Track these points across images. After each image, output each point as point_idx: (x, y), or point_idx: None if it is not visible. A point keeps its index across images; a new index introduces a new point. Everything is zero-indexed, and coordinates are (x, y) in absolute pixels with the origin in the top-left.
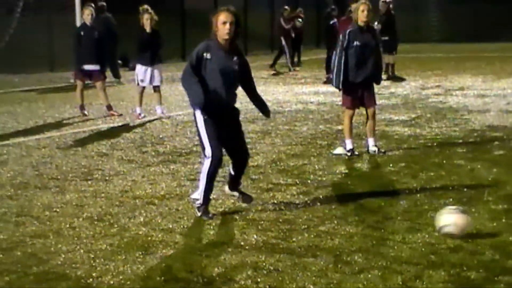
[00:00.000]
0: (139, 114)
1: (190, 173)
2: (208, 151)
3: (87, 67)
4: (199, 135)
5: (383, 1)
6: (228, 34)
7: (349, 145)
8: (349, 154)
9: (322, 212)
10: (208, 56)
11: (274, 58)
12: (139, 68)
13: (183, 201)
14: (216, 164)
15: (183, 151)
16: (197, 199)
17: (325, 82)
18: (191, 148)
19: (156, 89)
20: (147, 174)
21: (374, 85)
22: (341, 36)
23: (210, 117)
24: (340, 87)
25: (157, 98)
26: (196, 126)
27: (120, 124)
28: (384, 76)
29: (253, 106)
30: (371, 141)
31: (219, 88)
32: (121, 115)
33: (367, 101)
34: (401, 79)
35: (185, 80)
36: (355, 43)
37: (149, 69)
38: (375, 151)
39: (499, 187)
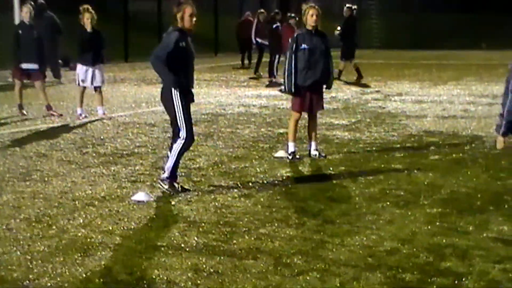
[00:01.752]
0: (80, 114)
1: (131, 175)
2: (183, 133)
3: (26, 66)
4: (175, 116)
5: (347, 7)
6: (193, 25)
7: (291, 148)
8: (290, 157)
9: (263, 215)
10: (184, 44)
11: (256, 63)
12: (80, 68)
13: (123, 203)
14: (188, 145)
15: (124, 152)
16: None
17: (267, 86)
18: (132, 150)
19: (98, 89)
20: (87, 175)
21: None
22: (290, 39)
23: (183, 96)
24: (292, 90)
25: (99, 98)
26: (173, 107)
27: (60, 124)
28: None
29: (196, 108)
30: (313, 145)
31: (190, 72)
32: (61, 115)
33: (315, 104)
34: (351, 84)
35: (157, 65)
36: (303, 46)
37: (90, 69)
38: (316, 155)
39: (434, 191)
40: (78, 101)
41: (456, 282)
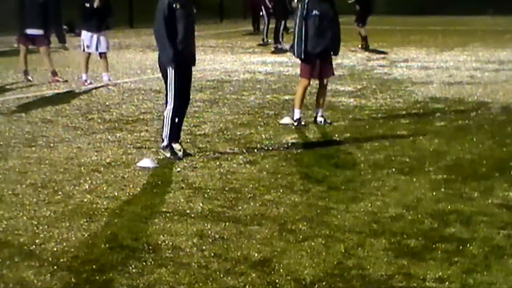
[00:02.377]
0: (85, 80)
1: (136, 141)
2: (171, 103)
3: (31, 31)
4: (167, 87)
5: None
6: None
7: (297, 115)
8: (296, 124)
9: (268, 181)
10: (178, 6)
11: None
12: (85, 34)
13: (129, 169)
14: (177, 110)
15: (130, 118)
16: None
17: (273, 52)
18: (138, 116)
19: (103, 55)
20: (93, 141)
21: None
22: (300, 5)
23: (179, 67)
24: (302, 56)
25: (104, 65)
26: (166, 78)
27: (65, 90)
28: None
29: (201, 75)
30: (319, 112)
31: (190, 36)
32: (66, 81)
33: (325, 71)
34: (379, 52)
35: (160, 35)
36: (314, 12)
37: (95, 35)
38: (321, 122)
39: (439, 158)
40: (83, 67)
41: (460, 247)
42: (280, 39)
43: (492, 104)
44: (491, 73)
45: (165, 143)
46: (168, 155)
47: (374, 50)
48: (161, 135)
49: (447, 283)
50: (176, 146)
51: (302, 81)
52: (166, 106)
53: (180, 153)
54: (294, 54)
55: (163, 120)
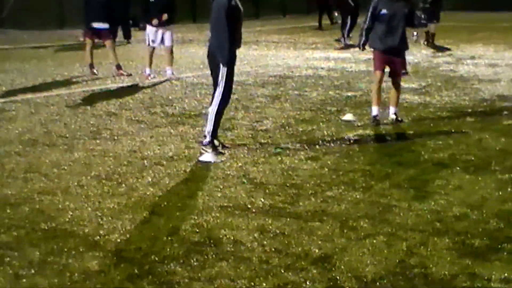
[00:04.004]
0: (149, 74)
1: (198, 135)
2: (219, 100)
3: (96, 25)
4: (216, 83)
5: None
6: None
7: (374, 112)
8: (373, 122)
9: (329, 178)
10: (234, 2)
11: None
12: (150, 29)
13: (191, 162)
14: (222, 108)
15: (192, 113)
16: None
17: (337, 48)
18: (200, 111)
19: (167, 50)
20: (156, 135)
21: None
22: (372, 2)
23: (232, 66)
24: (361, 47)
25: (168, 59)
26: (217, 75)
27: (129, 84)
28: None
29: (264, 70)
30: (392, 110)
31: (240, 31)
32: (130, 75)
33: (396, 66)
34: (444, 49)
35: (220, 32)
36: (383, 11)
37: (160, 30)
38: (393, 120)
39: (506, 157)
40: (147, 62)
41: None
42: (345, 35)
43: None
44: None
45: (208, 139)
46: (209, 151)
47: (439, 46)
48: (204, 131)
49: None
50: (216, 142)
51: (375, 76)
52: (211, 102)
53: (220, 149)
54: (358, 47)
55: (208, 116)
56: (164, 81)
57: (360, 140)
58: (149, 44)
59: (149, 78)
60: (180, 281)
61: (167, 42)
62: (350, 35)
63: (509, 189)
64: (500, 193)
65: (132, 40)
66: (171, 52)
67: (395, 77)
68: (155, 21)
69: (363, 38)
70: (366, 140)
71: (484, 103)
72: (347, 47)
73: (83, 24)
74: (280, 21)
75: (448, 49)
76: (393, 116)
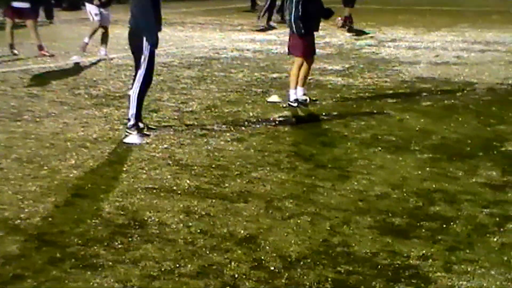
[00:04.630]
0: (86, 43)
1: (123, 117)
2: (141, 81)
3: (17, 4)
4: (138, 65)
5: None
6: None
7: (294, 96)
8: (294, 104)
9: (255, 159)
10: None
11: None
12: (90, 6)
13: (116, 144)
14: (144, 89)
15: (117, 94)
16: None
17: (261, 30)
18: (125, 92)
19: (104, 29)
20: (79, 116)
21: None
22: None
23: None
24: (302, 32)
25: (104, 39)
26: (139, 56)
27: (51, 65)
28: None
29: (189, 52)
30: (302, 90)
31: (160, 13)
32: (52, 55)
33: (314, 49)
34: (362, 32)
35: (146, 13)
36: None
37: (100, 10)
38: (306, 100)
39: (425, 137)
40: (89, 33)
41: (444, 226)
42: (269, 17)
43: (478, 85)
44: (478, 54)
45: (132, 121)
46: (134, 133)
47: (358, 30)
48: (128, 114)
49: (430, 260)
50: (140, 124)
51: (300, 60)
52: (133, 85)
53: (145, 130)
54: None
55: (130, 99)
56: (90, 64)
57: (285, 121)
58: (93, 19)
59: (86, 48)
60: (104, 263)
61: (105, 21)
62: (265, 16)
63: (428, 168)
64: (420, 172)
65: (54, 20)
66: (107, 32)
67: (313, 55)
68: (96, 1)
69: (301, 24)
70: (292, 121)
71: (405, 84)
72: (271, 28)
73: (3, 3)
74: (206, 3)
75: (367, 33)
76: (305, 97)
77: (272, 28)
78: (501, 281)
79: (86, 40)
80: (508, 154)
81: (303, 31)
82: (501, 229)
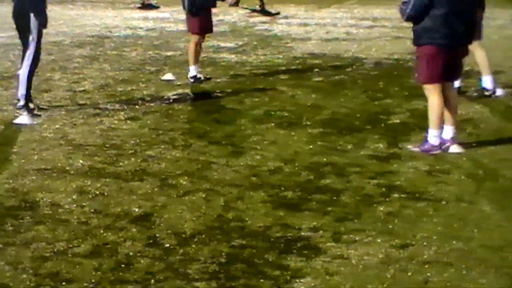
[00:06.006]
0: None
1: (13, 98)
2: (31, 60)
3: None
4: (26, 45)
5: None
6: None
7: (193, 72)
8: (192, 81)
9: (149, 137)
10: None
11: None
12: None
13: (4, 126)
14: (34, 68)
15: (5, 74)
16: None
17: (140, 8)
18: (14, 72)
19: None
20: None
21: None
22: None
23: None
24: (194, 10)
25: None
26: (26, 35)
27: None
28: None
29: (81, 30)
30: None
31: None
32: None
33: (210, 26)
34: (274, 14)
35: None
36: None
37: None
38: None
39: (316, 112)
40: None
41: (333, 198)
42: None
43: (366, 60)
44: (366, 30)
45: (22, 102)
46: (25, 114)
47: (269, 12)
48: (18, 95)
49: (320, 231)
50: (31, 105)
51: (195, 37)
52: (21, 65)
53: (36, 111)
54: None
55: (20, 79)
56: None
57: (179, 99)
58: None
59: None
60: None
61: None
62: None
63: (318, 143)
64: (311, 146)
65: None
66: None
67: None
68: None
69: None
70: (186, 99)
71: (297, 61)
72: (151, 7)
73: None
74: None
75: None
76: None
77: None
78: (386, 248)
79: None
80: (393, 127)
81: (194, 9)
82: (387, 199)
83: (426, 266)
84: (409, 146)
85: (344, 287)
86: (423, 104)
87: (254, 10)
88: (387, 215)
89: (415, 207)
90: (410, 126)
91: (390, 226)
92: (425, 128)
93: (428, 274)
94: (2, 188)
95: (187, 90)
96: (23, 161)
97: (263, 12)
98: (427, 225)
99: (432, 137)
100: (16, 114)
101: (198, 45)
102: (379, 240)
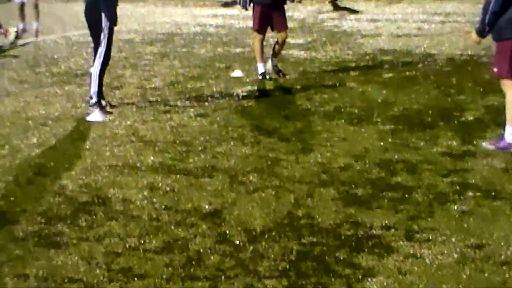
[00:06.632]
0: (22, 29)
1: (86, 94)
2: (102, 58)
3: None
4: (98, 42)
5: None
6: None
7: (261, 69)
8: (260, 77)
9: (219, 134)
10: None
11: None
12: None
13: (78, 122)
14: (104, 67)
15: (79, 72)
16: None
17: (223, 5)
18: (87, 69)
19: (32, 5)
20: (41, 94)
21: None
22: None
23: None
24: (247, 7)
25: (35, 13)
26: (99, 34)
27: (11, 42)
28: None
29: (151, 28)
30: (274, 61)
31: None
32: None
33: (278, 23)
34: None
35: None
36: None
37: None
38: (278, 72)
39: (387, 108)
40: (18, 17)
41: (406, 195)
42: None
43: (438, 56)
44: (437, 25)
45: (94, 99)
46: (97, 111)
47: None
48: (90, 92)
49: (392, 230)
50: (103, 102)
51: (255, 34)
52: (93, 63)
53: (107, 108)
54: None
55: (92, 76)
56: (48, 40)
57: (248, 96)
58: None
59: (23, 32)
60: (68, 241)
61: None
62: None
63: (389, 139)
64: (382, 143)
65: None
66: (36, 6)
67: (281, 31)
68: None
69: None
70: (255, 96)
71: (367, 57)
72: (232, 3)
73: None
74: None
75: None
76: (276, 69)
77: (235, 3)
78: (461, 248)
79: (20, 26)
80: (467, 124)
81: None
82: (461, 197)
83: (504, 267)
84: (484, 143)
85: (418, 287)
86: (499, 100)
87: (339, 7)
88: (461, 214)
89: (491, 205)
90: (485, 122)
91: (465, 225)
92: (501, 125)
93: (507, 275)
94: (76, 184)
95: (256, 87)
96: (95, 157)
97: (345, 9)
98: (504, 225)
99: (509, 134)
100: (88, 111)
101: (260, 42)
102: (453, 239)
